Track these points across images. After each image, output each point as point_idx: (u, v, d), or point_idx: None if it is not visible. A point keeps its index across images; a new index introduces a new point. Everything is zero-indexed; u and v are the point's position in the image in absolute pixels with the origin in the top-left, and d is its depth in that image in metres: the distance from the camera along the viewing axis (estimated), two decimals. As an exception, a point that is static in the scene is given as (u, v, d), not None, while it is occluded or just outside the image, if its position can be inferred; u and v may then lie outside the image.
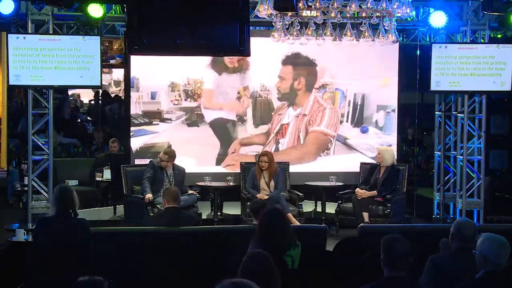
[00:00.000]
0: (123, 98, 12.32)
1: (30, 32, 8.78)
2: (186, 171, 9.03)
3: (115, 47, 10.58)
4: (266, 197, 8.68)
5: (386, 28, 7.28)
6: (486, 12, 9.29)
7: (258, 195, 8.73)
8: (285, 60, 10.05)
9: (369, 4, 6.82)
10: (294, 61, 10.05)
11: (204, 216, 8.99)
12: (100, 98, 13.62)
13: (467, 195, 9.65)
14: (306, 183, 9.50)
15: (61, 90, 13.14)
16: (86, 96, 15.36)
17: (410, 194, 10.04)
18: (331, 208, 9.35)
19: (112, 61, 10.77)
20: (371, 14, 7.16)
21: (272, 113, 10.08)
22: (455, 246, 4.42)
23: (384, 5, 6.88)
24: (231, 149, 10.03)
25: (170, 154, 8.80)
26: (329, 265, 5.84)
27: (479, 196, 9.71)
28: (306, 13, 7.33)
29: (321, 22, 7.43)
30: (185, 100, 9.92)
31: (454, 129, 10.11)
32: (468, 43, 9.57)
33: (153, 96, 9.87)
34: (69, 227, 5.15)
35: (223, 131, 10.01)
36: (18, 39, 8.50)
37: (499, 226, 8.18)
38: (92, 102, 14.50)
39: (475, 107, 9.76)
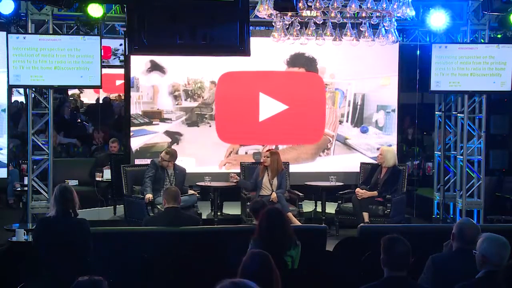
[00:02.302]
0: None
1: (30, 32, 8.78)
2: (186, 171, 9.03)
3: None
4: (275, 194, 8.68)
5: (386, 28, 7.29)
6: (486, 12, 9.29)
7: (272, 196, 8.73)
8: (293, 62, 10.03)
9: (369, 4, 6.82)
10: (304, 62, 10.04)
11: (204, 216, 8.99)
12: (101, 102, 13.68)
13: (467, 195, 9.65)
14: (306, 183, 9.49)
15: (61, 90, 13.16)
16: (87, 96, 15.38)
17: (410, 194, 10.04)
18: (331, 208, 9.35)
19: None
20: (371, 14, 7.17)
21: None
22: (456, 246, 4.42)
23: (384, 5, 6.88)
24: (229, 149, 10.03)
25: (172, 153, 8.80)
26: (329, 265, 5.83)
27: (479, 196, 9.71)
28: (306, 13, 7.33)
29: (321, 22, 7.44)
30: (185, 100, 9.92)
31: (454, 129, 10.11)
32: (468, 43, 9.57)
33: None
34: (69, 227, 5.15)
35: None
36: (18, 39, 8.50)
37: (499, 226, 8.18)
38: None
39: (475, 107, 9.76)
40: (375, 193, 8.85)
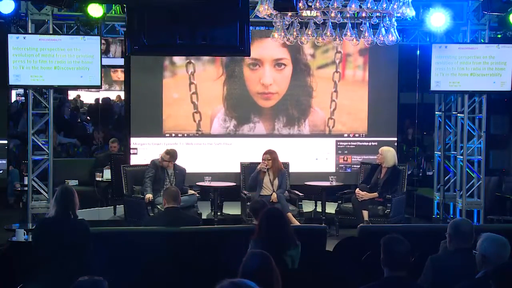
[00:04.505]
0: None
1: (30, 32, 8.77)
2: (187, 171, 9.04)
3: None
4: (275, 195, 8.68)
5: (386, 28, 7.28)
6: (486, 12, 9.28)
7: (273, 197, 8.74)
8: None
9: (369, 4, 6.82)
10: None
11: (204, 216, 8.99)
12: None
13: (467, 195, 9.64)
14: (306, 183, 9.48)
15: (61, 90, 13.15)
16: (87, 96, 15.38)
17: (410, 194, 10.03)
18: (331, 208, 9.35)
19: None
20: (371, 14, 7.16)
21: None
22: (454, 246, 4.42)
23: (384, 5, 6.87)
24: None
25: (172, 154, 8.81)
26: (329, 265, 5.83)
27: (479, 196, 9.70)
28: (306, 13, 7.33)
29: (321, 22, 7.43)
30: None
31: (454, 129, 10.10)
32: (468, 43, 9.57)
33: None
34: (68, 227, 5.15)
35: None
36: (18, 39, 8.49)
37: (499, 226, 8.19)
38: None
39: (475, 107, 9.75)
40: (375, 194, 8.85)
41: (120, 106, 13.62)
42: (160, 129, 9.73)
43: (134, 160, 9.62)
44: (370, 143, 10.05)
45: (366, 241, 6.01)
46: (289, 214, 8.15)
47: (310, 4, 6.93)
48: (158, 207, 8.29)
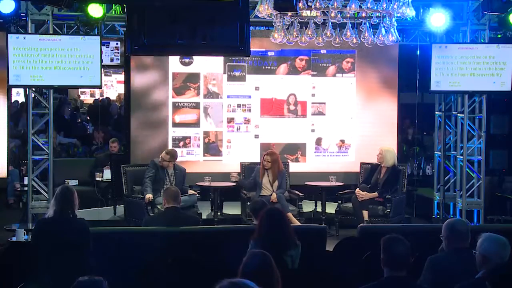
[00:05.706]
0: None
1: (30, 32, 8.78)
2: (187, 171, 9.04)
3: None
4: (275, 195, 8.67)
5: (386, 28, 7.29)
6: (486, 12, 9.29)
7: (272, 197, 8.73)
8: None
9: (369, 4, 6.83)
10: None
11: (204, 216, 8.98)
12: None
13: (467, 195, 9.65)
14: (306, 183, 9.48)
15: (61, 90, 13.15)
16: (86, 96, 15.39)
17: (410, 194, 10.03)
18: (331, 208, 9.35)
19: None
20: (371, 14, 7.17)
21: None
22: (452, 246, 4.41)
23: (384, 5, 6.88)
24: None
25: (172, 154, 8.81)
26: (329, 265, 5.83)
27: (479, 196, 9.71)
28: (306, 13, 7.34)
29: (321, 22, 7.44)
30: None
31: (454, 129, 10.11)
32: (468, 43, 9.57)
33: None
34: (67, 227, 5.15)
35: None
36: (18, 39, 8.49)
37: (499, 226, 8.19)
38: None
39: (475, 107, 9.76)
40: (375, 194, 8.85)
41: (120, 106, 13.62)
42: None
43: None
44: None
45: (366, 241, 6.01)
46: (289, 214, 8.14)
47: (310, 4, 6.94)
48: (158, 207, 8.28)
